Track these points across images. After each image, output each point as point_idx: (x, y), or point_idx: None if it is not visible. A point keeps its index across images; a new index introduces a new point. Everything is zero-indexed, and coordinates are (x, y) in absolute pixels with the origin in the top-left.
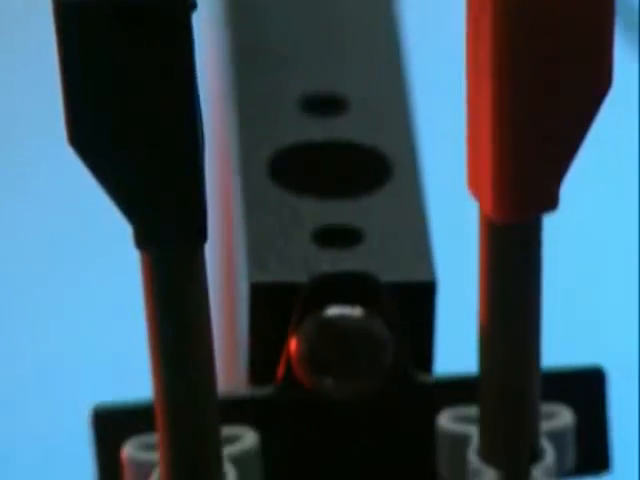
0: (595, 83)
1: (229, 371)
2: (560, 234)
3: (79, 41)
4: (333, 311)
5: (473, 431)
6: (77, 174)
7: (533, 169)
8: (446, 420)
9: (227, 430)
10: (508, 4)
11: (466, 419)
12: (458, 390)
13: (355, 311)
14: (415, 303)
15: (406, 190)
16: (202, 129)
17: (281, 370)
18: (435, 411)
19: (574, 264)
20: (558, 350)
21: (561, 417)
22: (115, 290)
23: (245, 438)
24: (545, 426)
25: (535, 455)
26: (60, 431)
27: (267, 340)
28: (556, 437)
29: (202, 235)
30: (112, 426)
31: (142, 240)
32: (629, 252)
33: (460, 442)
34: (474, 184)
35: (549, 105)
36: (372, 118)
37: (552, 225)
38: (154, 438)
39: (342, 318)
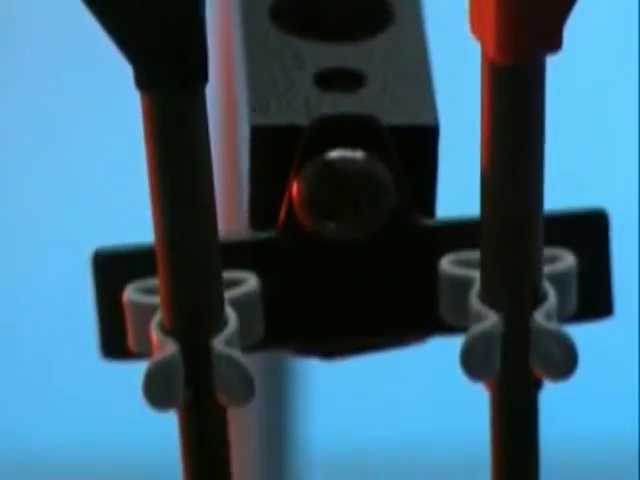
0: None
1: (230, 216)
2: (563, 77)
3: None
4: (334, 154)
5: (475, 275)
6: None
7: (536, 8)
8: (448, 264)
9: (228, 274)
10: None
11: (468, 263)
12: (461, 234)
13: (357, 154)
14: (417, 147)
15: (408, 34)
16: None
17: (282, 214)
18: (437, 255)
19: (578, 108)
20: (560, 194)
21: (563, 260)
22: (113, 137)
23: (246, 282)
24: (547, 270)
25: (537, 299)
26: (60, 277)
27: (268, 184)
28: (558, 281)
29: (203, 75)
30: (113, 270)
31: (143, 81)
32: (630, 96)
33: (462, 285)
34: (476, 25)
35: None
36: None
37: (556, 69)
38: (155, 282)
39: (343, 161)
